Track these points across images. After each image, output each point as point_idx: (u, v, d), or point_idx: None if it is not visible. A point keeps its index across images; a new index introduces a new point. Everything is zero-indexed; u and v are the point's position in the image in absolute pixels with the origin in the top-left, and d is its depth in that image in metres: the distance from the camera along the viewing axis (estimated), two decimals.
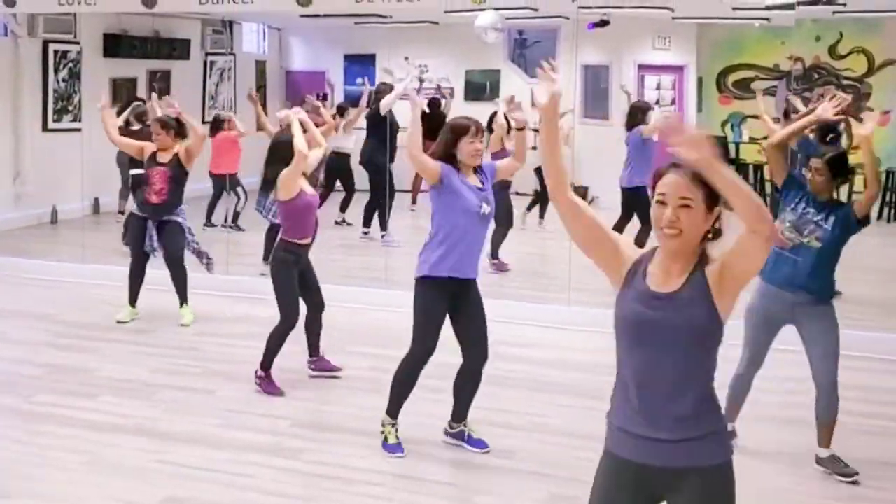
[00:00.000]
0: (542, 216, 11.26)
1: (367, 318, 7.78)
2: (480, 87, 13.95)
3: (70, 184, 10.78)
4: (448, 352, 5.12)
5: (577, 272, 7.61)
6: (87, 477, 4.86)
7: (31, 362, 6.65)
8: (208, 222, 11.43)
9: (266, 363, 6.07)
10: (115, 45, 12.42)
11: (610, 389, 2.89)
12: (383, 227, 10.69)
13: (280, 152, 6.06)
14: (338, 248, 9.60)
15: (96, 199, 12.14)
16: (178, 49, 13.35)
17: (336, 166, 11.03)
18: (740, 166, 12.46)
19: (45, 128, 11.89)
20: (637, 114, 9.37)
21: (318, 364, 6.39)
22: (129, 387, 6.18)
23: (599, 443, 2.89)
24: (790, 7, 8.65)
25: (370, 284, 8.74)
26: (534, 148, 12.00)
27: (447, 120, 5.27)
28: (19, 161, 11.63)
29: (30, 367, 6.54)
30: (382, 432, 5.19)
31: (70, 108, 12.19)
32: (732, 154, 12.60)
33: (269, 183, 6.13)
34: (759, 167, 12.20)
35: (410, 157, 4.91)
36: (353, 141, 11.30)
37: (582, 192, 10.91)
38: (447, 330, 5.06)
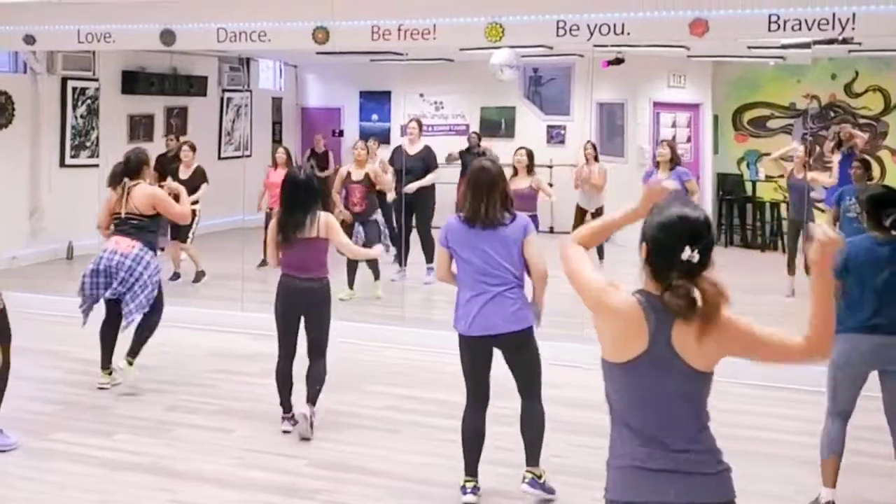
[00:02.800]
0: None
1: (383, 357, 7.73)
2: (496, 124, 14.01)
3: (87, 219, 10.73)
4: (460, 393, 5.07)
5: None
6: None
7: (46, 399, 6.62)
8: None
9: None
10: (133, 81, 12.55)
11: None
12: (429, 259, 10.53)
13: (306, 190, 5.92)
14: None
15: None
16: (195, 86, 13.49)
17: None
18: (757, 204, 12.43)
19: (62, 163, 11.99)
20: None
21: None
22: (145, 425, 6.14)
23: None
24: (805, 46, 8.64)
25: (387, 322, 8.71)
26: (550, 184, 11.96)
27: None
28: (36, 196, 11.72)
29: (44, 405, 6.50)
30: None
31: (88, 144, 12.28)
32: (749, 192, 12.57)
33: (301, 217, 5.84)
34: (775, 205, 12.14)
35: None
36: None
37: None
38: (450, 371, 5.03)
